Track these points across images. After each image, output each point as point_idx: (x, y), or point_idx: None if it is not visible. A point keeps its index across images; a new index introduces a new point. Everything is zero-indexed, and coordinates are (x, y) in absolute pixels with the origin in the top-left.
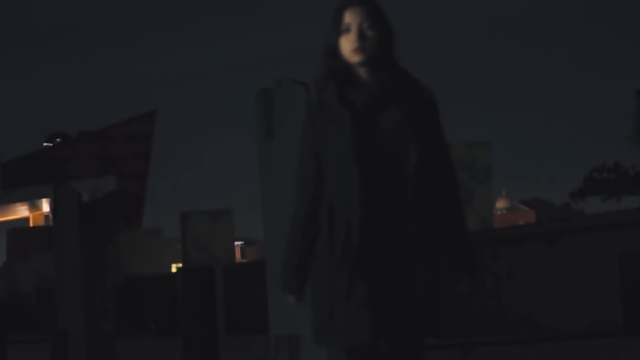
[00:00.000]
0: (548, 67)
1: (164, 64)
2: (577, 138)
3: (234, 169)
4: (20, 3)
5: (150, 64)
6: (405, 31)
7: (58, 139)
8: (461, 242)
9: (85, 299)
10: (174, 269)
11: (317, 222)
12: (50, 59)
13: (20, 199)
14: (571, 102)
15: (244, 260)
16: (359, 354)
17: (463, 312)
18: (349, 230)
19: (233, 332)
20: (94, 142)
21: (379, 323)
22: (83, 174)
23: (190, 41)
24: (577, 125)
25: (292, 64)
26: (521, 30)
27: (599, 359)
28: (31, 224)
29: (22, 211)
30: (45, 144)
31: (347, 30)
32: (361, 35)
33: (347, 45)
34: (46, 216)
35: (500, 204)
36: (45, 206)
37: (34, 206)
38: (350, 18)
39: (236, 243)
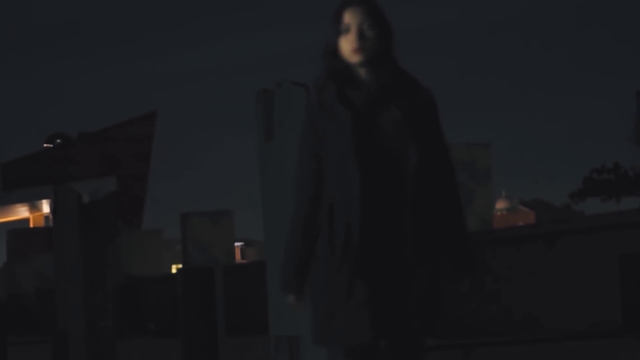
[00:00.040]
0: (548, 67)
1: (164, 64)
2: (577, 138)
3: (234, 169)
4: (20, 3)
5: (150, 64)
6: (405, 31)
7: (58, 140)
8: (461, 242)
9: (85, 299)
10: (174, 270)
11: (317, 222)
12: (50, 59)
13: (21, 200)
14: (571, 102)
15: (244, 261)
16: (359, 354)
17: (463, 312)
18: (349, 230)
19: (233, 333)
20: (94, 143)
21: (379, 323)
22: (83, 175)
23: (190, 41)
24: (577, 125)
25: (292, 64)
26: (521, 30)
27: None
28: (31, 225)
29: (22, 212)
30: (45, 145)
31: (347, 30)
32: (361, 36)
33: (347, 46)
34: (46, 217)
35: (500, 204)
36: (46, 207)
37: (34, 207)
38: (350, 18)
39: (236, 244)
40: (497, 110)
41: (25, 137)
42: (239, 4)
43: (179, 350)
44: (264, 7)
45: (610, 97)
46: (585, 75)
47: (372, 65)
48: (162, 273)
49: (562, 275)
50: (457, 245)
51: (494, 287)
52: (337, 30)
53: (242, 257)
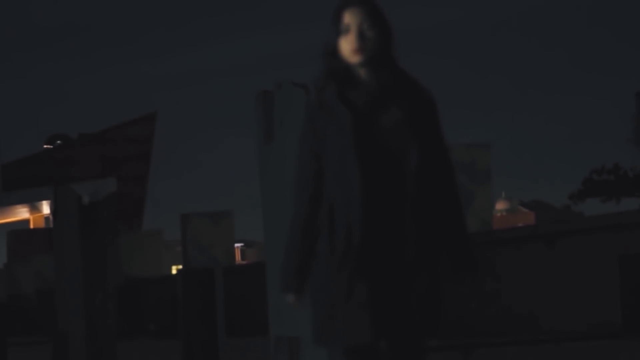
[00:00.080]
0: (548, 67)
1: (164, 65)
2: (577, 138)
3: (234, 170)
4: (20, 3)
5: (150, 64)
6: (405, 32)
7: (58, 141)
8: (461, 242)
9: (85, 300)
10: (174, 271)
11: (317, 222)
12: (50, 59)
13: (21, 201)
14: (571, 102)
15: (244, 262)
16: (359, 355)
17: (463, 313)
18: (349, 231)
19: (233, 333)
20: (95, 144)
21: (379, 323)
22: (83, 175)
23: (190, 41)
24: (577, 125)
25: (292, 64)
26: (521, 30)
27: None
28: (31, 226)
29: (22, 213)
30: (45, 146)
31: (347, 30)
32: (361, 36)
33: (347, 46)
34: (46, 218)
35: (500, 205)
36: (46, 208)
37: (35, 208)
38: (349, 18)
39: (236, 245)
40: (497, 110)
41: (25, 137)
42: (239, 4)
43: (179, 350)
44: (264, 7)
45: (610, 97)
46: (585, 75)
47: (372, 66)
48: (162, 274)
49: (562, 276)
50: (457, 245)
51: (494, 287)
52: (337, 30)
53: (242, 258)
